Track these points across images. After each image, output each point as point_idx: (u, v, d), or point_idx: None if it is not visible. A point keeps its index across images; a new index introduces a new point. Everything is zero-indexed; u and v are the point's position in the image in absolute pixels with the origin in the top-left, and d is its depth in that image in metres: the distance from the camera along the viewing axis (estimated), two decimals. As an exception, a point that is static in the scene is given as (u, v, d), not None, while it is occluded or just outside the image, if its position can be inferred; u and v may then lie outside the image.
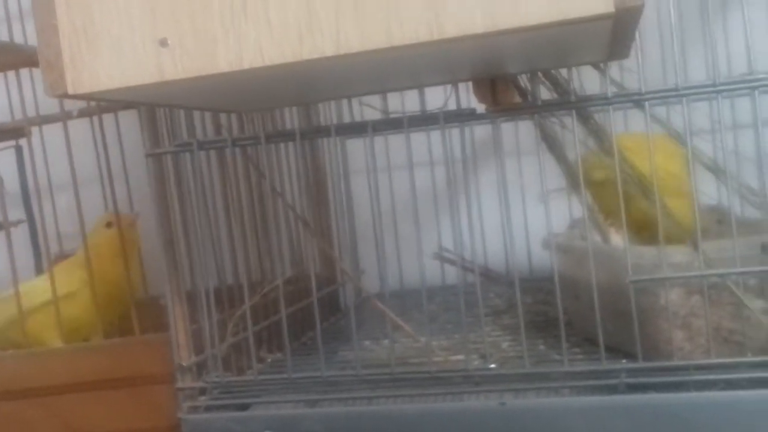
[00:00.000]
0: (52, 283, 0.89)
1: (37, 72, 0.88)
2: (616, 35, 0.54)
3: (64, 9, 0.51)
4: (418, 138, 0.77)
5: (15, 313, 0.90)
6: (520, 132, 1.01)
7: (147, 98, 0.63)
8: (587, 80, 0.77)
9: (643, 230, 0.74)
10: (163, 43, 0.49)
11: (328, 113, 1.03)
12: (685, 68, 0.71)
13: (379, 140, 0.73)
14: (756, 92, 0.65)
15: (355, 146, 1.08)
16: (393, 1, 0.47)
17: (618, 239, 0.74)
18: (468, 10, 0.47)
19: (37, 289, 0.92)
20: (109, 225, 0.95)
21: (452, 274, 1.04)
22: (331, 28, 0.48)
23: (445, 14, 0.47)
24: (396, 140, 0.84)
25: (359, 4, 0.48)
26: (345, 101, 0.79)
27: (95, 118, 0.94)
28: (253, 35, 0.49)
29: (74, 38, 0.49)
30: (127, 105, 0.88)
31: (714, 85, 0.65)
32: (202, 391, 0.76)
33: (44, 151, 0.97)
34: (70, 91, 0.50)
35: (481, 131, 0.98)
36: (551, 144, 0.75)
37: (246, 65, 0.49)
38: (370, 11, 0.48)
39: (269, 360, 0.84)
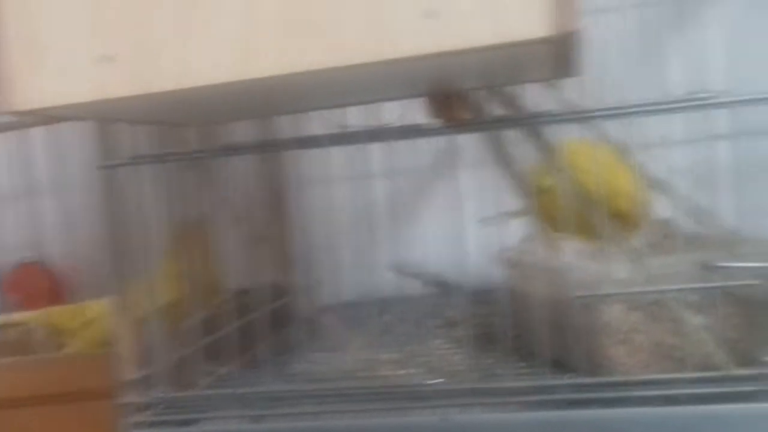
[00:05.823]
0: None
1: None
2: (559, 56, 0.54)
3: (11, 26, 0.50)
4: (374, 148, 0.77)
5: None
6: (469, 145, 1.01)
7: (95, 114, 0.63)
8: (544, 96, 0.77)
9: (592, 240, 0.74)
10: (109, 59, 0.48)
11: (285, 124, 1.02)
12: (665, 82, 0.72)
13: (335, 151, 0.73)
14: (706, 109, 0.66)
15: (312, 157, 1.08)
16: (333, 23, 0.47)
17: (567, 253, 0.75)
18: (409, 34, 0.47)
19: None
20: None
21: (411, 285, 1.04)
22: (274, 48, 0.48)
23: (386, 37, 0.47)
24: (352, 151, 0.84)
25: (302, 24, 0.48)
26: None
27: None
28: (197, 54, 0.49)
29: (22, 55, 0.49)
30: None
31: (662, 102, 0.66)
32: (147, 407, 0.75)
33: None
34: (18, 107, 0.50)
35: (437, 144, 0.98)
36: (502, 158, 0.75)
37: (190, 83, 0.49)
38: (312, 32, 0.48)
39: (219, 374, 0.83)
